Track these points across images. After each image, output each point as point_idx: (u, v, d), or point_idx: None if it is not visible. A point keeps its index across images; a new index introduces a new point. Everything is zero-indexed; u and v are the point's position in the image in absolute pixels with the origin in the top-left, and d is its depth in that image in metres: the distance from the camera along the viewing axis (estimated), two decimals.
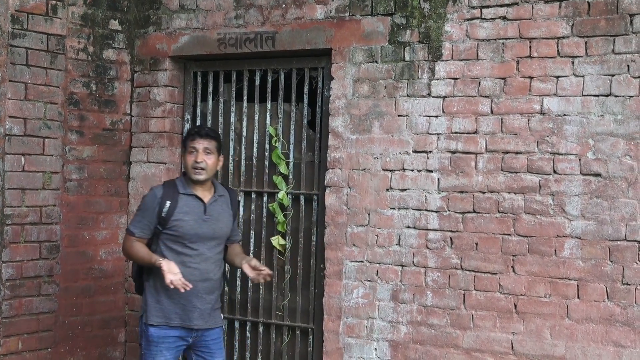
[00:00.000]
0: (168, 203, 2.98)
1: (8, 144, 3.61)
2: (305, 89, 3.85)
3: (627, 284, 2.94)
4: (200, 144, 3.00)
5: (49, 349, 3.86)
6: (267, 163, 3.94)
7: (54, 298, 3.82)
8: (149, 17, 4.16)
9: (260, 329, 3.89)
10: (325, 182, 3.58)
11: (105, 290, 4.14)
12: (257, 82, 3.96)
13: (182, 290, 2.85)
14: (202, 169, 2.99)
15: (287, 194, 3.86)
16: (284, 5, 3.77)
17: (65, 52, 3.84)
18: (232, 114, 4.05)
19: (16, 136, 3.65)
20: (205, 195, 3.08)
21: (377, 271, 3.47)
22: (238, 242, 3.39)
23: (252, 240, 3.89)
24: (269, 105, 3.96)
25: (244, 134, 4.04)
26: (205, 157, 3.00)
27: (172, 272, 2.85)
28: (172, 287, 2.83)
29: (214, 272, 3.09)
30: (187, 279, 2.92)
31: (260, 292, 3.90)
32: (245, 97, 4.04)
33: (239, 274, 3.98)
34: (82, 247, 3.94)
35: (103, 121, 4.06)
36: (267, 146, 3.95)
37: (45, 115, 3.74)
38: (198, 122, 4.27)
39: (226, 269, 3.48)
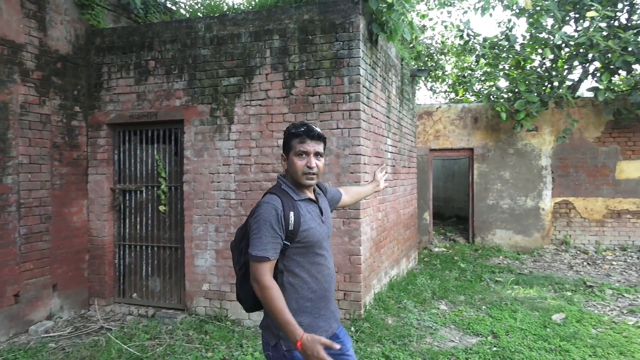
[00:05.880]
0: (292, 214, 2.44)
1: None
2: (172, 137, 6.24)
3: None
4: (312, 147, 2.52)
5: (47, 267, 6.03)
6: None
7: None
8: (94, 105, 6.49)
9: None
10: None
11: None
12: (149, 135, 6.41)
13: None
14: (314, 174, 2.53)
15: None
16: (160, 99, 6.10)
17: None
18: (139, 151, 6.53)
19: None
20: (312, 196, 2.62)
21: None
22: (341, 189, 3.11)
23: None
24: (156, 146, 6.33)
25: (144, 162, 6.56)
26: (317, 161, 2.54)
27: (320, 354, 2.21)
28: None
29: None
30: (323, 287, 2.53)
31: None
32: (144, 143, 6.45)
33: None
34: None
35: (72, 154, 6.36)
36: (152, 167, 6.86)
37: None
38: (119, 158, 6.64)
39: None
